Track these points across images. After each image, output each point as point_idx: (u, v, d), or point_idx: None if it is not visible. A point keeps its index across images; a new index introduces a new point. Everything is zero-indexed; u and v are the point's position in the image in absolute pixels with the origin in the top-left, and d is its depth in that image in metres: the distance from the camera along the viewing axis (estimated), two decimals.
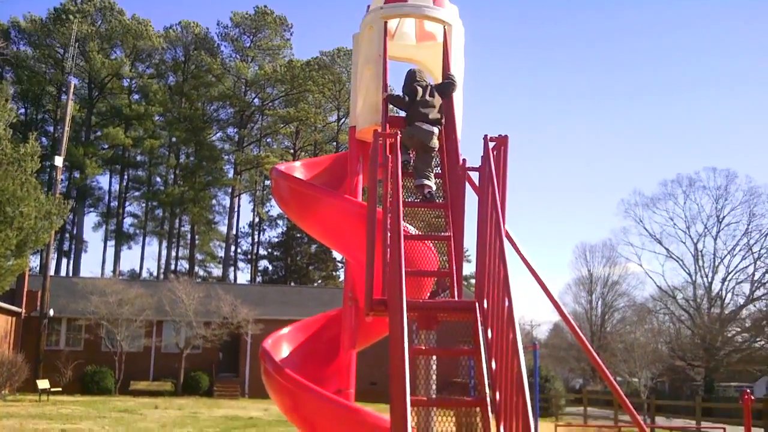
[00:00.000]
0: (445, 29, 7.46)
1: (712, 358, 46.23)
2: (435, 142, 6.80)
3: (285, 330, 7.73)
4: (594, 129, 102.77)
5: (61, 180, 46.36)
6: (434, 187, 6.75)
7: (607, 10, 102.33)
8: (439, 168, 6.98)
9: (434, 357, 5.68)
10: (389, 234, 5.62)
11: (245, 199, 75.82)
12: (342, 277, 66.63)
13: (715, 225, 52.10)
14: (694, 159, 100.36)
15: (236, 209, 72.95)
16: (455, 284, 5.96)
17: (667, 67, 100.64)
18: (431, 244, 6.54)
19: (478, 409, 5.04)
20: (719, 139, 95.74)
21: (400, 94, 7.01)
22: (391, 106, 7.09)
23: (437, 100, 6.95)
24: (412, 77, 7.14)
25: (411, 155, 6.88)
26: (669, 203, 53.75)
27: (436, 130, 6.77)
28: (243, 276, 75.13)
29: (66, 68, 62.62)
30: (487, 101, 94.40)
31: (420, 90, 6.89)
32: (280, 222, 73.59)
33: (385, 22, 7.38)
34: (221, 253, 73.92)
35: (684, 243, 52.85)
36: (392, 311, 5.12)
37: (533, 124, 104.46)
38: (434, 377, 5.65)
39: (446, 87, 7.07)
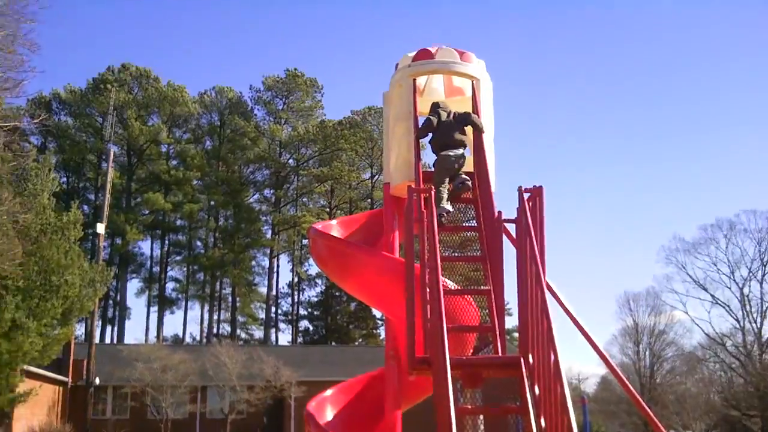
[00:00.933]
0: (473, 84, 7.51)
1: None
2: (461, 163, 7.29)
3: (328, 392, 7.67)
4: (629, 175, 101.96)
5: (104, 247, 47.12)
6: (450, 210, 7.10)
7: (643, 49, 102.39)
8: (474, 215, 7.04)
9: (481, 416, 5.55)
10: (428, 290, 5.57)
11: (284, 259, 76.24)
12: (383, 335, 66.27)
13: (759, 268, 51.11)
14: (731, 202, 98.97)
15: (275, 270, 73.32)
16: (498, 339, 5.86)
17: (700, 108, 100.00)
18: (471, 299, 6.47)
19: None
20: (756, 181, 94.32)
21: (429, 119, 7.45)
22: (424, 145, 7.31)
23: (460, 126, 7.35)
24: (436, 105, 7.58)
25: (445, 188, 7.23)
26: (711, 248, 52.91)
27: (460, 151, 7.26)
28: (284, 337, 75.29)
29: (105, 136, 64.19)
30: (520, 152, 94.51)
31: (444, 113, 7.26)
32: (318, 281, 73.66)
33: (414, 80, 7.45)
34: (262, 315, 74.06)
35: (729, 288, 51.81)
36: (436, 369, 5.04)
37: (568, 174, 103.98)
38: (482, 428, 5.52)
39: (465, 116, 7.37)
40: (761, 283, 50.75)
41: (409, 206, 5.91)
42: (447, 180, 7.18)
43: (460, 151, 7.24)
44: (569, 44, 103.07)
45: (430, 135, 7.40)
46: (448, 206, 6.98)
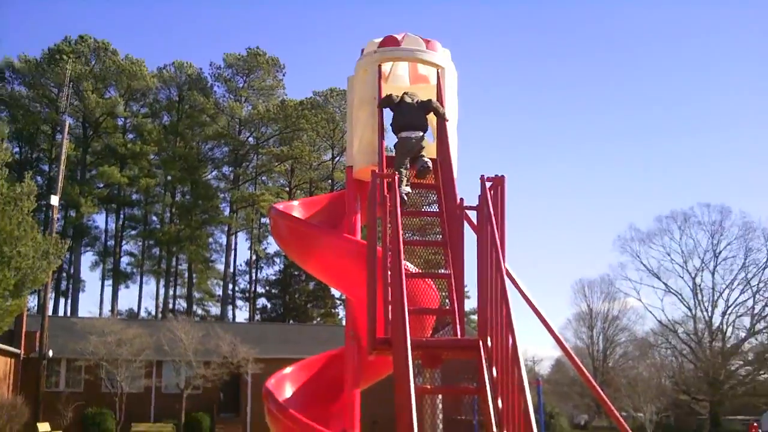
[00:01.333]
0: (438, 72, 7.61)
1: (717, 391, 46.07)
2: (420, 146, 7.44)
3: (288, 370, 7.76)
4: (588, 166, 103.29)
5: (57, 219, 46.39)
6: (409, 191, 7.25)
7: (600, 50, 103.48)
8: (436, 205, 7.14)
9: (440, 396, 5.70)
10: (390, 272, 5.68)
11: (242, 237, 75.87)
12: (341, 315, 66.52)
13: (712, 259, 52.43)
14: (686, 195, 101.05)
15: (233, 247, 72.95)
16: (457, 322, 6.00)
17: (660, 105, 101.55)
18: (431, 282, 6.60)
19: None
20: (711, 176, 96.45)
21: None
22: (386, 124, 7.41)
23: (422, 111, 7.48)
24: (404, 93, 7.70)
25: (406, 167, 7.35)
26: (665, 238, 54.07)
27: (420, 134, 7.40)
28: (241, 314, 74.90)
29: (60, 108, 62.91)
30: (481, 142, 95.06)
31: (397, 96, 7.39)
32: (277, 260, 73.53)
33: (380, 65, 7.53)
34: (219, 292, 73.73)
35: (682, 278, 53.06)
36: (396, 350, 5.16)
37: (527, 164, 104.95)
38: (440, 416, 5.67)
39: (427, 102, 7.47)
40: (713, 274, 52.15)
41: (373, 190, 6.01)
42: (407, 162, 7.31)
43: (420, 133, 7.36)
44: (529, 32, 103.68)
45: (392, 116, 7.50)
46: (407, 188, 7.11)
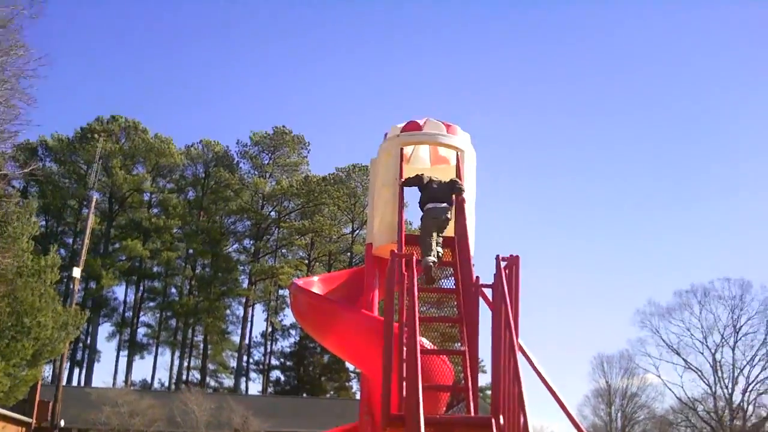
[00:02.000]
0: (458, 155, 7.89)
1: None
2: (448, 216, 7.59)
3: None
4: (605, 241, 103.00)
5: (78, 291, 46.80)
6: (436, 261, 7.35)
7: (613, 120, 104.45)
8: (451, 273, 7.30)
9: None
10: (406, 350, 5.80)
11: (259, 308, 75.93)
12: (355, 388, 65.82)
13: (732, 335, 51.57)
14: (706, 269, 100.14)
15: (249, 319, 72.93)
16: (471, 399, 6.09)
17: (676, 177, 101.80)
18: (446, 357, 6.70)
19: None
20: (731, 249, 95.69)
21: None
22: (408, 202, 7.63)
23: (448, 190, 7.74)
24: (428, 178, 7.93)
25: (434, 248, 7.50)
26: (685, 313, 53.38)
27: (446, 205, 7.58)
28: (254, 386, 74.33)
29: (89, 183, 64.19)
30: (498, 220, 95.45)
31: (427, 177, 7.60)
32: (293, 332, 73.28)
33: (402, 148, 7.82)
34: (233, 363, 73.38)
35: (702, 353, 52.18)
36: (409, 427, 5.25)
37: (543, 239, 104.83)
38: None
39: (452, 183, 7.64)
40: (733, 350, 51.19)
41: (391, 269, 6.19)
42: (435, 233, 7.48)
43: (446, 205, 7.56)
44: (548, 110, 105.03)
45: (420, 195, 7.69)
46: (433, 258, 7.23)
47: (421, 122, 7.88)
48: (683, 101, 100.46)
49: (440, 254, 7.39)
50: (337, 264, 73.63)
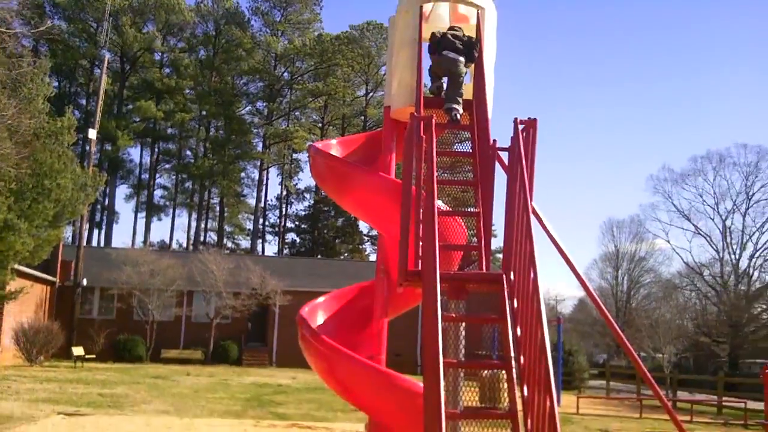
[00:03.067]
0: (478, 12, 7.75)
1: (737, 334, 46.13)
2: (462, 69, 7.41)
3: (320, 299, 8.15)
4: (623, 106, 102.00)
5: (94, 152, 47.20)
6: (461, 111, 7.37)
7: None
8: (467, 142, 7.38)
9: (463, 326, 6.04)
10: (423, 210, 5.98)
11: (273, 172, 76.65)
12: (368, 250, 67.39)
13: (744, 202, 51.66)
14: (724, 135, 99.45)
15: (264, 182, 73.80)
16: (483, 258, 6.31)
17: (697, 43, 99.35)
18: (460, 219, 6.90)
19: (502, 373, 5.41)
20: (750, 116, 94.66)
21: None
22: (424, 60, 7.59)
23: (463, 42, 7.56)
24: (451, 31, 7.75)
25: (443, 81, 7.58)
26: (698, 179, 53.28)
27: (462, 57, 7.38)
28: (270, 248, 76.22)
29: (99, 42, 63.35)
30: (517, 82, 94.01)
31: (440, 32, 7.52)
32: (307, 195, 74.32)
33: (421, 6, 7.70)
34: (249, 226, 74.92)
35: (712, 219, 52.55)
36: (426, 282, 5.50)
37: (561, 104, 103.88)
38: (463, 343, 6.03)
39: (471, 44, 7.54)
40: (744, 216, 51.49)
41: (410, 132, 6.27)
42: (444, 79, 7.52)
43: (455, 54, 7.44)
44: None
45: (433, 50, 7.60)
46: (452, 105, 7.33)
47: None
48: None
49: (456, 112, 7.34)
50: (350, 127, 73.52)
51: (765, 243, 50.43)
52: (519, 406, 5.14)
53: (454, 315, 5.87)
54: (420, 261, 5.90)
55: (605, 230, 66.87)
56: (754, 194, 51.46)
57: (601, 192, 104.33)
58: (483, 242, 6.39)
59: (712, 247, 52.20)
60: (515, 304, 5.57)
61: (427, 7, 8.04)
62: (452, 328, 6.01)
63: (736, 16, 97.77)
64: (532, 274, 5.20)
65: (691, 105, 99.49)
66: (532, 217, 5.61)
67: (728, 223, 51.74)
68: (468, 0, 7.80)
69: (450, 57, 7.35)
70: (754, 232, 50.87)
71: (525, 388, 5.21)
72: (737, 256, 51.09)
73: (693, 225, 53.03)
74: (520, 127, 6.31)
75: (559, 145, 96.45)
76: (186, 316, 39.75)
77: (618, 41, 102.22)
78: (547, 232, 6.89)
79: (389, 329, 8.01)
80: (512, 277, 5.73)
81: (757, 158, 51.66)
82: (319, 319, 8.01)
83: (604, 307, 7.37)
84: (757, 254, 50.47)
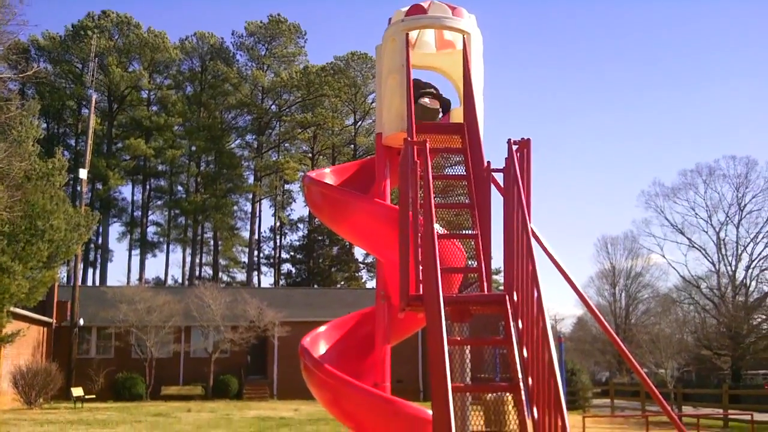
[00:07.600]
0: (464, 38, 7.80)
1: (738, 346, 46.06)
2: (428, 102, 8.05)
3: (322, 328, 8.10)
4: (610, 122, 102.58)
5: (86, 192, 47.17)
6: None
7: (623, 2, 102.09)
8: (459, 166, 7.45)
9: (468, 348, 6.01)
10: (422, 234, 5.97)
11: (266, 204, 76.68)
12: (365, 278, 67.20)
13: (736, 213, 51.84)
14: (711, 148, 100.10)
15: (257, 214, 73.81)
16: (485, 280, 6.29)
17: (682, 57, 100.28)
18: (458, 243, 6.89)
19: (507, 396, 5.38)
20: (736, 128, 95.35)
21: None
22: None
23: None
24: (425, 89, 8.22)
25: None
26: (690, 193, 53.49)
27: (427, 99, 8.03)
28: (266, 280, 75.94)
29: (86, 83, 63.56)
30: (506, 102, 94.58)
31: (422, 99, 8.03)
32: (300, 225, 74.26)
33: (407, 34, 7.74)
34: (244, 258, 74.71)
35: (706, 232, 52.68)
36: (429, 305, 5.47)
37: (551, 122, 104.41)
38: (469, 366, 5.99)
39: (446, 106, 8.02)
40: (737, 228, 51.63)
41: (405, 156, 6.28)
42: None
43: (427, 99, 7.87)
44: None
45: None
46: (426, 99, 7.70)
47: (425, 5, 7.77)
48: None
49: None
50: (340, 157, 73.72)
51: (760, 253, 50.60)
52: (529, 428, 5.10)
53: (458, 338, 5.84)
54: (421, 285, 5.88)
55: (600, 247, 66.95)
56: (746, 205, 51.70)
57: (593, 209, 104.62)
58: (483, 264, 6.38)
59: (708, 260, 52.32)
60: (519, 325, 5.55)
61: (413, 34, 8.09)
62: (457, 352, 5.98)
63: (724, 30, 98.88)
64: (536, 293, 5.19)
65: (678, 119, 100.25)
66: (531, 238, 5.61)
67: (722, 235, 51.91)
68: (453, 26, 7.85)
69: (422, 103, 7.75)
70: (748, 243, 51.04)
71: (534, 410, 5.17)
72: (733, 268, 51.22)
73: (687, 238, 53.18)
74: (514, 147, 6.33)
75: (546, 164, 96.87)
76: (184, 351, 39.51)
77: (608, 59, 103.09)
78: (546, 251, 6.88)
79: (391, 355, 7.97)
80: (515, 297, 5.71)
81: (746, 169, 51.99)
82: (321, 348, 7.96)
83: (605, 322, 7.33)
84: (753, 265, 50.59)
